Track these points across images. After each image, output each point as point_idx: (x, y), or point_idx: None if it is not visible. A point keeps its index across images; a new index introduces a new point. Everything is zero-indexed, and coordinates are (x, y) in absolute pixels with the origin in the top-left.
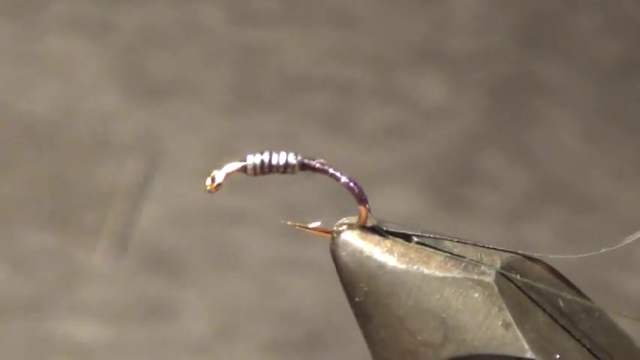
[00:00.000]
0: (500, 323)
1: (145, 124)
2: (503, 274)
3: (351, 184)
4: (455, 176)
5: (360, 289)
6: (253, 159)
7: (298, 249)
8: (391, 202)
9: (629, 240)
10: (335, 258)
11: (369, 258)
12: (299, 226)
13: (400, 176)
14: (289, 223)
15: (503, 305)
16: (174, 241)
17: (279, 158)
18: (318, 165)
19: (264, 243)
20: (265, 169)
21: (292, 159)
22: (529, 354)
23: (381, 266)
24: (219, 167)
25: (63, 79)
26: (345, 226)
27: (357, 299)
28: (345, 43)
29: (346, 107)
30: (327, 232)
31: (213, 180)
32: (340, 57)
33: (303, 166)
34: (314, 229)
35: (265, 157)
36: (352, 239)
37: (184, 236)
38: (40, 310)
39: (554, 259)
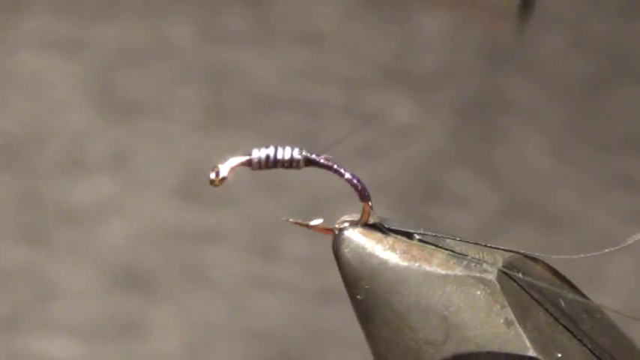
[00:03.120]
0: (502, 321)
1: (117, 141)
2: (505, 273)
3: (355, 181)
4: (423, 195)
5: (361, 286)
6: (258, 153)
7: (270, 268)
8: None
9: (631, 240)
10: (337, 255)
11: (371, 255)
12: (300, 223)
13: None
14: (290, 220)
15: (505, 303)
16: (146, 259)
17: (284, 153)
18: (323, 160)
19: (237, 261)
20: (270, 163)
21: (297, 154)
22: (531, 352)
23: (383, 263)
24: (223, 161)
25: (35, 97)
26: (347, 224)
27: (358, 297)
28: (314, 62)
29: (315, 126)
30: (329, 230)
31: (217, 174)
32: (309, 76)
33: (308, 162)
34: (315, 226)
35: (270, 151)
36: (354, 236)
37: (156, 254)
38: (13, 326)
39: (555, 259)
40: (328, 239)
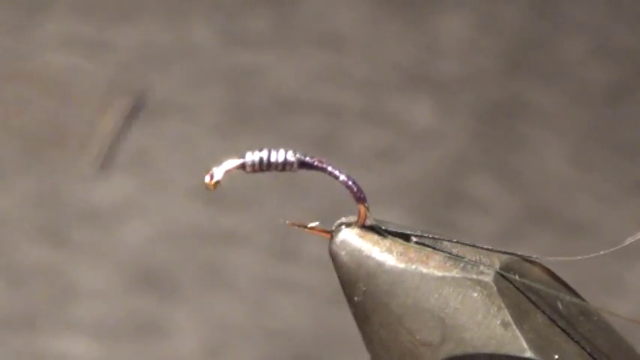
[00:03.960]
0: (499, 323)
1: (138, 142)
2: (502, 275)
3: (350, 183)
4: (443, 199)
5: (358, 288)
6: (252, 156)
7: (288, 269)
8: None
9: (629, 241)
10: (334, 257)
11: (367, 257)
12: (298, 225)
13: (388, 199)
14: (288, 222)
15: (502, 305)
16: (165, 259)
17: (278, 156)
18: (316, 163)
19: (255, 262)
20: (264, 166)
21: (291, 156)
22: (528, 353)
23: (380, 265)
24: (217, 164)
25: (57, 97)
26: (343, 226)
27: (355, 298)
28: (334, 65)
29: (335, 129)
30: (326, 232)
31: (211, 177)
32: (329, 79)
33: (302, 164)
34: (312, 228)
35: (264, 154)
36: (351, 238)
37: (176, 255)
38: (32, 326)
39: (552, 260)
40: None
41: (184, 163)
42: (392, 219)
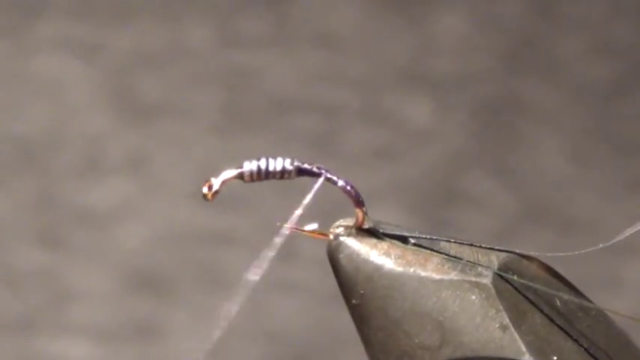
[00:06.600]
0: (497, 325)
1: (134, 144)
2: (501, 276)
3: (348, 188)
4: (440, 197)
5: (356, 291)
6: (250, 165)
7: (287, 270)
8: None
9: (626, 234)
10: (332, 260)
11: (365, 261)
12: (296, 229)
13: (386, 197)
14: (285, 225)
15: (501, 307)
16: (162, 261)
17: (276, 164)
18: (314, 169)
19: (252, 263)
20: (262, 175)
21: (289, 165)
22: (526, 356)
23: (378, 269)
24: (216, 175)
25: (52, 100)
26: (342, 229)
27: (353, 302)
28: (331, 65)
29: (332, 129)
30: (324, 235)
31: (210, 187)
32: (326, 79)
33: (300, 171)
34: (311, 231)
35: (262, 163)
36: (349, 242)
37: (173, 256)
38: (29, 328)
39: (550, 257)
40: None
41: (181, 165)
42: (390, 217)
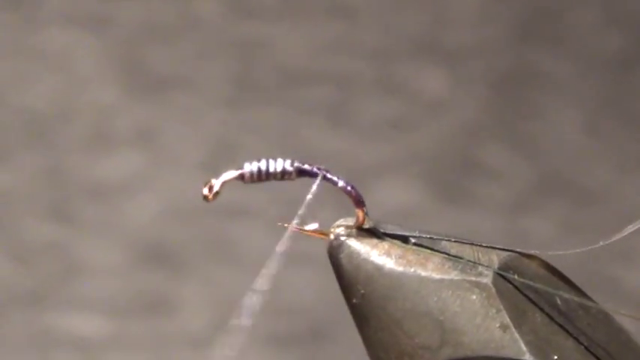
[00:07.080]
0: (497, 325)
1: (144, 117)
2: (501, 275)
3: (349, 188)
4: (455, 168)
5: (357, 291)
6: (250, 167)
7: (299, 243)
8: (392, 194)
9: (626, 232)
10: (332, 260)
11: (366, 260)
12: (296, 228)
13: (401, 168)
14: (285, 225)
15: (501, 307)
16: (173, 235)
17: (276, 165)
18: (315, 170)
19: (264, 237)
20: (262, 176)
21: (289, 166)
22: (527, 356)
23: (379, 269)
24: (216, 176)
25: (62, 73)
26: (342, 228)
27: (354, 301)
28: (344, 35)
29: (346, 100)
30: (325, 234)
31: (210, 189)
32: (340, 50)
33: (300, 172)
34: (311, 231)
35: (262, 164)
36: (349, 241)
37: (184, 230)
38: (39, 303)
39: (552, 255)
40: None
41: (192, 137)
42: (404, 188)
